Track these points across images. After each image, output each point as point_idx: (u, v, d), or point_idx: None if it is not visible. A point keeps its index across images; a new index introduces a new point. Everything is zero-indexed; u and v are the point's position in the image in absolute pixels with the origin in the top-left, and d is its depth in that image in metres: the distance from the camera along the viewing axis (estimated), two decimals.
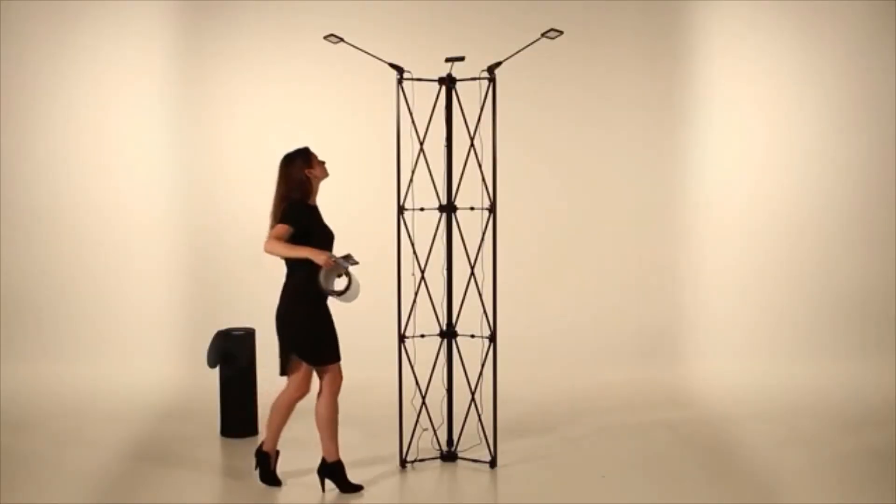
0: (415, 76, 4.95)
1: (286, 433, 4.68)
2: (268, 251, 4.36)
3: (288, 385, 4.60)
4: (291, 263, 4.46)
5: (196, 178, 6.87)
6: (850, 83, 6.72)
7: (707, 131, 6.82)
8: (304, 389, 4.58)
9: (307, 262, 4.36)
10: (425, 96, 5.03)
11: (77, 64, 6.76)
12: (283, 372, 4.56)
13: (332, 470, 4.60)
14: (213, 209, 6.88)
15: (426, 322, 5.02)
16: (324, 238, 4.50)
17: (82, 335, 6.78)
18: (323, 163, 4.60)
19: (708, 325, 6.82)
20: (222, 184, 6.86)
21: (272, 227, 4.44)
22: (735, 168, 6.81)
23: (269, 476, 4.70)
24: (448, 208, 4.97)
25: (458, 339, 5.05)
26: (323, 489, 4.63)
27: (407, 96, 4.97)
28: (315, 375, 4.60)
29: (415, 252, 4.97)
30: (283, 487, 4.75)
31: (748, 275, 6.83)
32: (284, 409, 4.62)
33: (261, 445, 4.74)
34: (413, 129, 4.97)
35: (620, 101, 6.82)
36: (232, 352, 5.53)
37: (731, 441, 5.43)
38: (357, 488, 4.62)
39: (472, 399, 5.05)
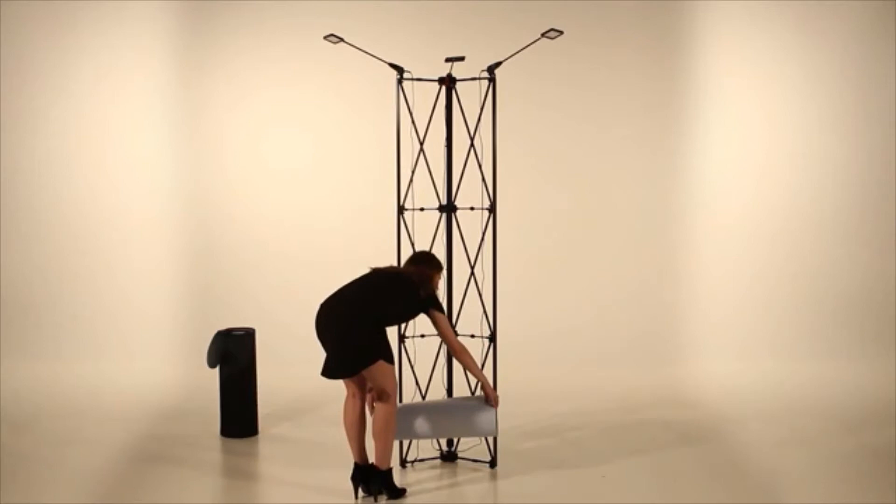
0: (415, 76, 4.95)
1: (292, 432, 4.66)
2: (459, 353, 4.57)
3: (353, 395, 4.55)
4: (379, 316, 4.42)
5: (196, 178, 6.88)
6: (850, 83, 6.72)
7: (707, 131, 6.82)
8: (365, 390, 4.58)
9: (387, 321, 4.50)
10: (425, 96, 5.03)
11: (77, 64, 6.76)
12: (351, 374, 4.44)
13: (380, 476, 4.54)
14: (213, 209, 6.88)
15: (426, 322, 5.01)
16: None
17: (82, 335, 6.78)
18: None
19: (708, 326, 6.81)
20: (222, 184, 6.86)
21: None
22: (735, 168, 6.81)
23: (394, 489, 4.57)
24: (448, 208, 4.97)
25: (459, 339, 5.04)
26: (356, 496, 4.56)
27: (407, 96, 4.97)
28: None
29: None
30: (284, 488, 4.75)
31: (748, 275, 6.83)
32: (362, 417, 4.56)
33: (357, 466, 4.56)
34: (413, 129, 4.97)
35: (620, 101, 6.82)
36: (232, 352, 5.53)
37: (731, 441, 5.43)
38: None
39: None
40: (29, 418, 5.87)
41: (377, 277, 4.52)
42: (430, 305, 4.55)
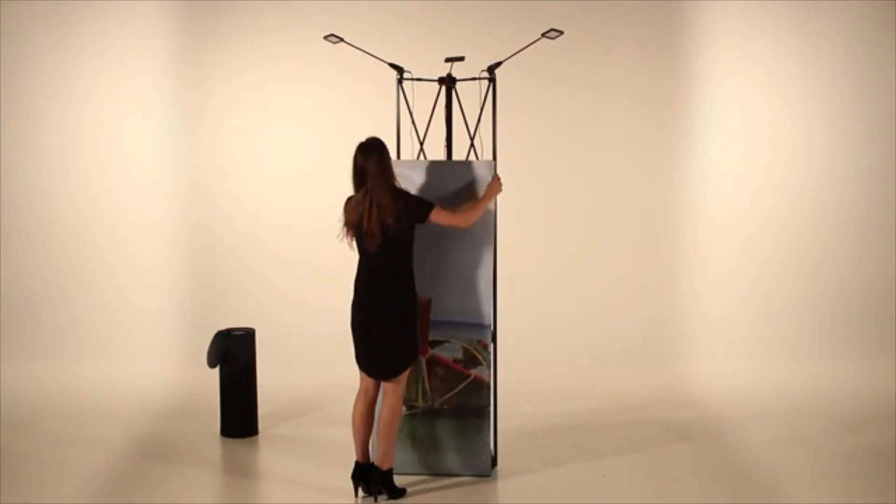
0: (415, 76, 4.95)
1: (292, 432, 4.66)
2: (471, 221, 4.51)
3: (364, 392, 4.54)
4: (404, 266, 4.41)
5: (196, 178, 6.87)
6: (850, 83, 6.71)
7: (707, 131, 6.81)
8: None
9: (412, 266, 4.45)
10: (425, 96, 5.03)
11: (77, 64, 6.75)
12: (392, 376, 4.45)
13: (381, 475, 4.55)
14: (213, 209, 6.87)
15: None
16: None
17: (82, 335, 6.78)
18: None
19: (708, 326, 6.81)
20: (222, 184, 6.86)
21: (379, 217, 4.28)
22: (735, 168, 6.81)
23: (394, 489, 4.58)
24: None
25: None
26: (356, 494, 4.58)
27: (407, 96, 4.97)
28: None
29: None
30: (284, 488, 4.75)
31: (748, 275, 6.82)
32: (371, 415, 4.55)
33: (358, 465, 4.56)
34: (413, 129, 4.97)
35: (620, 101, 6.82)
36: (232, 352, 5.53)
37: (731, 441, 5.43)
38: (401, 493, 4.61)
39: None
40: (29, 418, 5.87)
41: (386, 243, 4.35)
42: (427, 210, 4.38)
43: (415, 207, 4.38)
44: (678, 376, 6.57)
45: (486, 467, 4.80)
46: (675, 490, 4.72)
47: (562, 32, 4.84)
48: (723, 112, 6.78)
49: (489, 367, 4.77)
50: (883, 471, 4.93)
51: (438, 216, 4.42)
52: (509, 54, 4.93)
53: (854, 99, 6.72)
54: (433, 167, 4.78)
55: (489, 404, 4.78)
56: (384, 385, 4.50)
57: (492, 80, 4.89)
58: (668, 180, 6.85)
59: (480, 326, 4.76)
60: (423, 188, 4.73)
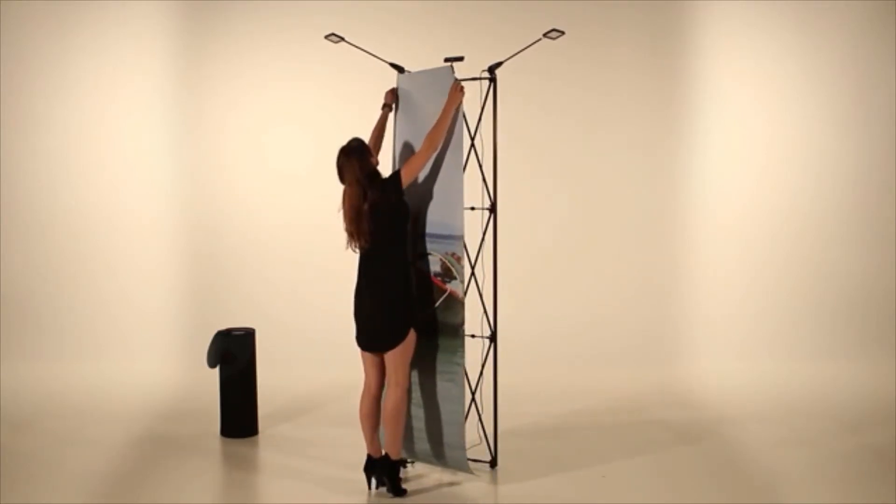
0: None
1: (292, 432, 4.66)
2: (438, 140, 4.49)
3: (371, 384, 4.60)
4: (391, 245, 4.48)
5: (196, 178, 6.88)
6: (850, 83, 6.72)
7: (707, 131, 6.82)
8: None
9: (405, 241, 4.55)
10: None
11: (77, 64, 6.76)
12: (388, 347, 4.49)
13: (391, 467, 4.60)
14: (213, 209, 6.88)
15: None
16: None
17: (82, 335, 6.78)
18: None
19: (708, 326, 6.81)
20: (222, 184, 6.87)
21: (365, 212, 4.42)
22: (736, 168, 6.82)
23: (397, 487, 4.61)
24: None
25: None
26: (369, 486, 4.64)
27: None
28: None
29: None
30: (284, 488, 4.75)
31: (748, 275, 6.83)
32: (376, 411, 4.61)
33: (370, 458, 4.63)
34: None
35: (621, 101, 6.82)
36: (232, 352, 5.53)
37: (731, 441, 5.43)
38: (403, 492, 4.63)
39: (473, 399, 5.05)
40: (29, 418, 5.87)
41: (374, 238, 4.47)
42: (398, 180, 4.45)
43: (389, 189, 4.45)
44: (678, 376, 6.57)
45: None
46: (675, 490, 4.72)
47: (563, 33, 4.83)
48: (723, 112, 6.79)
49: (462, 282, 4.71)
50: (883, 471, 4.93)
51: (409, 169, 4.49)
52: (509, 54, 4.93)
53: (854, 99, 6.72)
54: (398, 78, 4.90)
55: (463, 323, 4.70)
56: (388, 377, 4.53)
57: (492, 80, 4.89)
58: (668, 180, 6.85)
59: (452, 238, 4.70)
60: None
